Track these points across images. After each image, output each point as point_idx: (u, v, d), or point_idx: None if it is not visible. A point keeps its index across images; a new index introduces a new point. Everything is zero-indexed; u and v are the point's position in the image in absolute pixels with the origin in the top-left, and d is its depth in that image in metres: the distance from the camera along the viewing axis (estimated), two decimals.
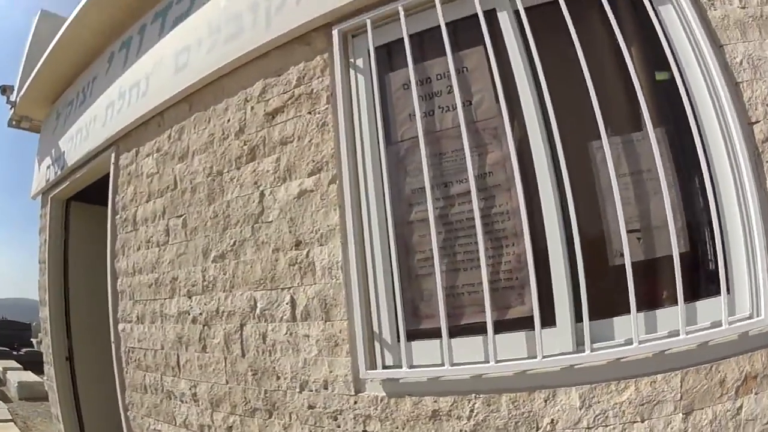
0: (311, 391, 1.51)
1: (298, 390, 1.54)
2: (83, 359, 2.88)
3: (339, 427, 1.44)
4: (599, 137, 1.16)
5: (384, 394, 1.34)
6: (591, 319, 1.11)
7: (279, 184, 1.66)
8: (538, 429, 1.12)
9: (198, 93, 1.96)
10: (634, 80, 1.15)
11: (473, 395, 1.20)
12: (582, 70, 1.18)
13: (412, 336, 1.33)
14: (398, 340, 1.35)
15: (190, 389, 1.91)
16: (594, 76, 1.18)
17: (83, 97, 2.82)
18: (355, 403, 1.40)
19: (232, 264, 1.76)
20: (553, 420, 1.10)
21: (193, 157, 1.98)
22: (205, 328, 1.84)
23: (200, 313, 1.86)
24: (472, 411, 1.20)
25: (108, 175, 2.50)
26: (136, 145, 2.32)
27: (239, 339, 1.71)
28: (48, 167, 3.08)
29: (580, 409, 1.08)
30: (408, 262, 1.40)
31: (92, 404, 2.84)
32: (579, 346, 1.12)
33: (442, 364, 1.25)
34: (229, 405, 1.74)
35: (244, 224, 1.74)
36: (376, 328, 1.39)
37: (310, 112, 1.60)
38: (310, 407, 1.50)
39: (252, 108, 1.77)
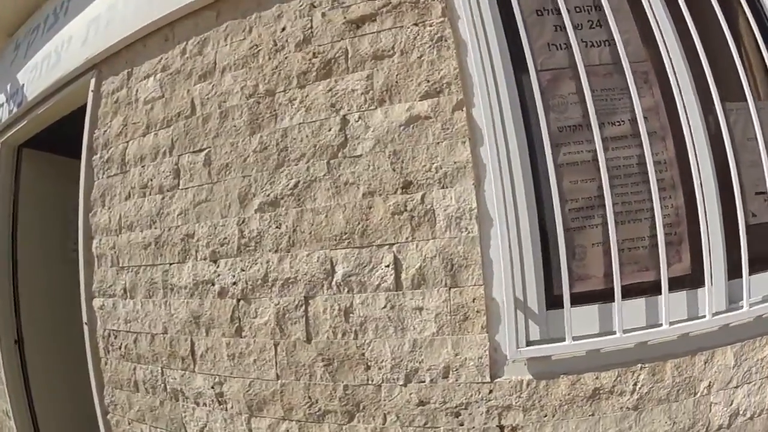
0: (422, 382, 1.13)
1: (401, 382, 1.15)
2: (37, 343, 2.20)
3: (462, 425, 1.10)
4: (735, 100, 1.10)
5: (530, 376, 1.08)
6: (731, 278, 1.07)
7: (373, 107, 1.21)
8: (695, 395, 1.04)
9: None
10: None
11: (638, 366, 1.05)
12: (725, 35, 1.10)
13: (560, 303, 1.07)
14: (546, 308, 1.10)
15: (212, 387, 1.39)
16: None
17: (54, 19, 2.10)
18: (490, 392, 1.09)
19: (292, 213, 1.27)
20: (709, 383, 1.03)
21: (223, 75, 1.43)
22: (242, 303, 1.33)
23: (234, 283, 1.34)
24: (636, 384, 1.05)
25: (77, 111, 1.89)
26: (130, 65, 1.68)
27: (303, 317, 1.24)
28: (0, 106, 2.37)
29: (733, 368, 1.03)
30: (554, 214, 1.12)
31: (50, 400, 2.17)
32: (731, 303, 1.08)
33: (603, 334, 1.07)
34: (280, 408, 1.27)
35: (313, 159, 1.26)
36: (518, 295, 1.07)
37: (416, 24, 1.20)
38: (421, 403, 1.12)
39: (323, 14, 1.28)
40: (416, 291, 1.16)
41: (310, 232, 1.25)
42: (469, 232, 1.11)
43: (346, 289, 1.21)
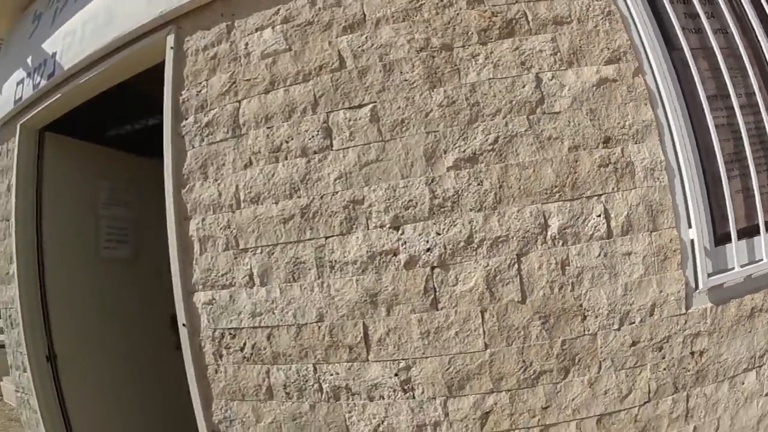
0: (633, 323, 1.17)
1: (615, 327, 1.17)
2: (74, 360, 1.75)
3: (663, 358, 1.18)
4: None
5: (711, 304, 1.21)
6: None
7: (564, 68, 1.23)
8: None
9: None
10: None
11: None
12: None
13: (725, 239, 1.24)
14: (715, 245, 1.25)
15: (395, 375, 1.20)
16: None
17: None
18: (685, 322, 1.19)
19: (494, 169, 1.20)
20: None
21: (376, 27, 1.29)
22: (438, 271, 1.19)
23: (427, 249, 1.20)
24: None
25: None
26: (228, 18, 1.42)
27: (516, 277, 1.17)
28: (18, 85, 1.93)
29: None
30: (711, 167, 1.32)
31: (94, 427, 1.67)
32: None
33: (751, 263, 1.24)
34: (488, 380, 1.17)
35: (511, 115, 1.21)
36: (699, 234, 1.22)
37: None
38: (633, 344, 1.16)
39: None
40: (625, 237, 1.21)
41: (519, 187, 1.20)
42: (661, 182, 1.22)
43: (561, 242, 1.19)
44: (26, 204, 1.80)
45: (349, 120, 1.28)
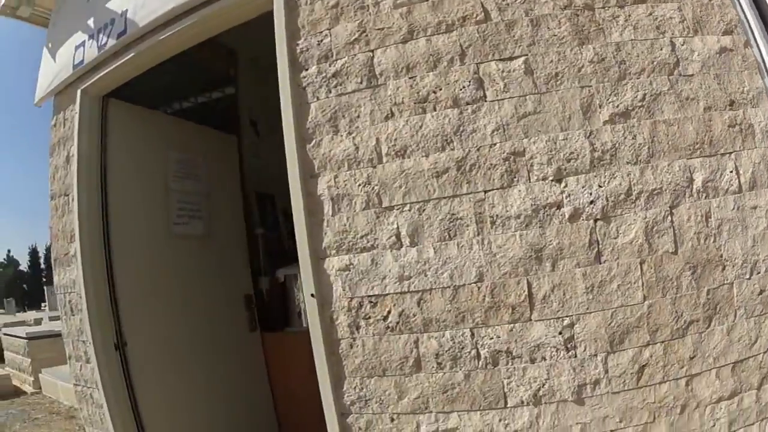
0: (759, 273, 1.25)
1: (747, 276, 1.24)
2: (144, 348, 1.49)
3: None
4: None
5: None
6: None
7: (691, 35, 1.32)
8: None
9: None
10: None
11: None
12: None
13: None
14: None
15: (559, 333, 1.15)
16: None
17: None
18: None
19: (645, 124, 1.21)
20: None
21: None
22: (601, 224, 1.17)
23: (591, 202, 1.17)
24: None
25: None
26: None
27: (670, 228, 1.19)
28: (77, 48, 1.73)
29: None
30: None
31: (167, 421, 1.42)
32: None
33: None
34: (645, 333, 1.17)
35: (654, 74, 1.25)
36: None
37: None
38: (761, 292, 1.24)
39: None
40: (751, 192, 1.30)
41: (667, 143, 1.23)
42: None
43: (704, 195, 1.24)
44: (90, 177, 1.50)
45: (502, 71, 1.23)
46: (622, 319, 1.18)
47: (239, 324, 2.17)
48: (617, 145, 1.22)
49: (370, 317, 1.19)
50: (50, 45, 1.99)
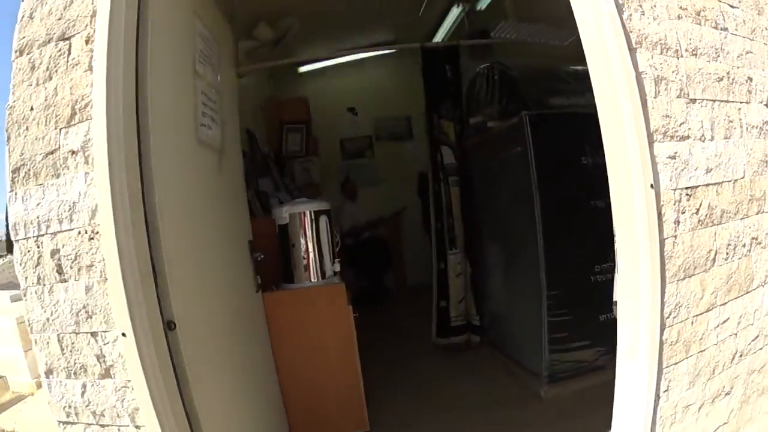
0: None
1: None
2: (196, 326, 0.99)
3: None
4: None
5: None
6: None
7: None
8: None
9: None
10: None
11: None
12: None
13: None
14: None
15: None
16: None
17: None
18: None
19: None
20: None
21: None
22: None
23: None
24: None
25: None
26: None
27: None
28: None
29: None
30: None
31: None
32: None
33: None
34: None
35: None
36: None
37: None
38: None
39: None
40: None
41: None
42: None
43: None
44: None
45: (728, 13, 1.44)
46: None
47: (247, 281, 1.73)
48: None
49: (686, 210, 1.15)
50: None
